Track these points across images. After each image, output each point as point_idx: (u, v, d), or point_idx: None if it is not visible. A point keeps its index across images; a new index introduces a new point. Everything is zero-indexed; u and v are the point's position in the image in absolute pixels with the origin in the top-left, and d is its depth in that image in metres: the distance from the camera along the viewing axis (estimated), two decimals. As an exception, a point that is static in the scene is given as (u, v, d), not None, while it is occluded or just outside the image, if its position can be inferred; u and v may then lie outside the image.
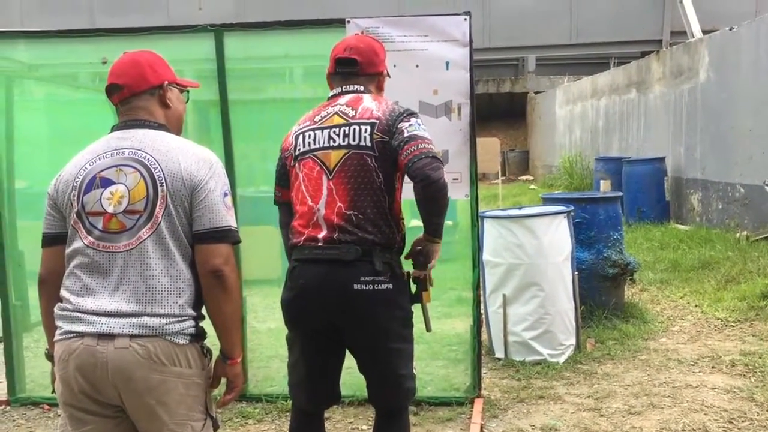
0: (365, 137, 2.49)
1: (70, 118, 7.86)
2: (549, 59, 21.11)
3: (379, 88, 2.73)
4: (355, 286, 2.46)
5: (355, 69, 2.63)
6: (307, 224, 2.53)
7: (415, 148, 2.44)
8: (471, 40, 3.81)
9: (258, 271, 6.35)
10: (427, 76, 3.83)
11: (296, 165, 2.60)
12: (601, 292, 5.37)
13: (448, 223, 6.77)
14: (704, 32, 10.73)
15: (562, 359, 4.69)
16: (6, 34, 4.29)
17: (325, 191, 2.51)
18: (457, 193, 3.91)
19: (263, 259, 6.51)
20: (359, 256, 2.46)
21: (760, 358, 4.63)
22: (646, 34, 13.17)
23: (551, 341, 4.68)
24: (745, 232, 8.08)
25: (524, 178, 20.54)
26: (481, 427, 3.71)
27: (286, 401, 4.04)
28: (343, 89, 2.64)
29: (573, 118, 16.87)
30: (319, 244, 2.50)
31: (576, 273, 4.89)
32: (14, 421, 4.05)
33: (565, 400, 4.09)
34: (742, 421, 3.73)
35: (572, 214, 4.97)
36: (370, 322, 2.51)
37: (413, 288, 2.66)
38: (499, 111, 22.25)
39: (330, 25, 3.91)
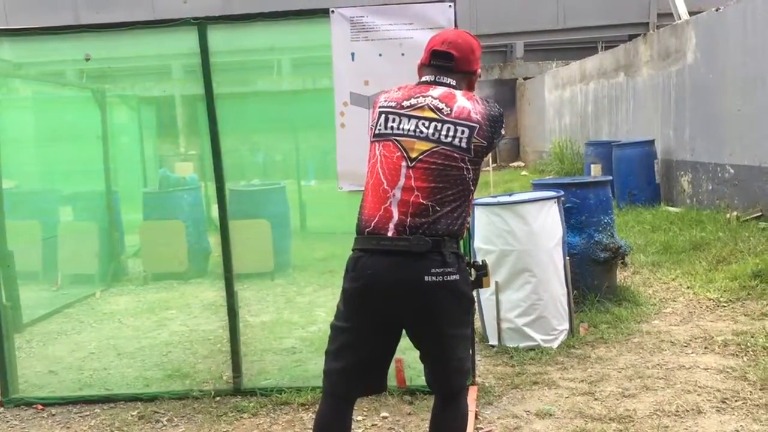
0: (462, 139, 2.48)
1: (58, 116, 7.83)
2: (537, 45, 21.07)
3: (470, 87, 2.70)
4: (426, 278, 2.44)
5: (451, 64, 2.61)
6: (379, 208, 2.52)
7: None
8: (456, 27, 3.79)
9: (250, 265, 6.36)
10: (413, 64, 3.78)
11: (376, 144, 2.60)
12: (593, 276, 5.38)
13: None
14: (691, 14, 10.71)
15: (555, 344, 4.70)
16: (-12, 32, 4.24)
17: (403, 178, 2.49)
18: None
19: (255, 253, 6.52)
20: (429, 248, 2.44)
21: (752, 337, 4.66)
22: (633, 17, 13.12)
23: (544, 327, 4.69)
24: (735, 213, 8.11)
25: (515, 164, 20.55)
26: (476, 414, 3.72)
27: (281, 394, 4.04)
28: (437, 79, 2.61)
29: (562, 103, 16.87)
30: (389, 234, 2.48)
31: (568, 258, 4.90)
32: (8, 422, 4.03)
33: (560, 385, 4.10)
34: (736, 401, 3.75)
35: (563, 199, 4.97)
36: (439, 312, 2.51)
37: (473, 274, 2.68)
38: (488, 98, 22.20)
39: (314, 15, 3.88)
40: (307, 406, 3.94)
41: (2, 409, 4.20)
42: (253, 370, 4.39)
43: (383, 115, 2.60)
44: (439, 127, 2.50)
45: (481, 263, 2.69)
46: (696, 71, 9.60)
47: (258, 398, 4.08)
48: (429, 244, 2.44)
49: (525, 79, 21.34)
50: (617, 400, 3.86)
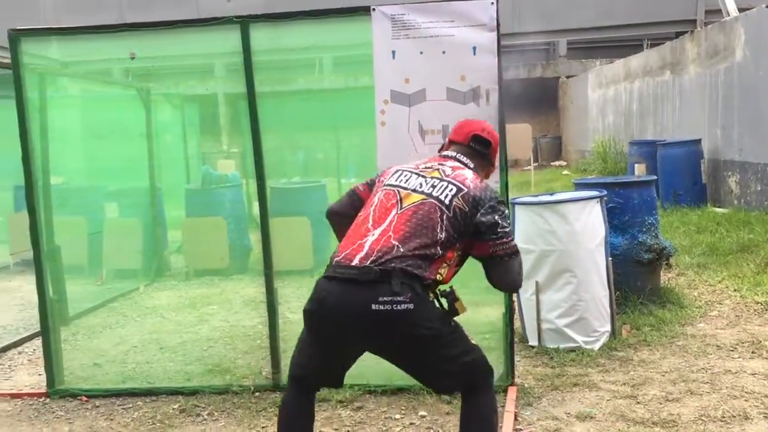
0: (447, 195, 2.65)
1: (104, 114, 7.99)
2: (581, 42, 20.79)
3: (486, 176, 2.94)
4: (374, 307, 2.48)
5: (488, 151, 2.92)
6: (354, 243, 2.65)
7: (508, 246, 2.66)
8: (498, 24, 3.76)
9: (290, 262, 6.38)
10: (454, 62, 3.79)
11: (379, 191, 2.79)
12: (636, 278, 5.28)
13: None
14: (740, 10, 10.45)
15: (596, 346, 4.63)
16: (38, 31, 4.33)
17: (387, 222, 2.65)
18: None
19: (295, 250, 6.55)
20: (377, 278, 2.50)
21: (802, 342, 4.52)
22: (679, 14, 12.86)
23: (585, 328, 4.63)
24: (785, 214, 7.89)
25: (557, 163, 20.33)
26: (515, 416, 3.68)
27: (319, 391, 4.05)
28: (458, 157, 2.86)
29: (606, 101, 16.63)
30: (352, 264, 2.57)
31: (610, 258, 4.82)
32: (53, 412, 4.13)
33: (601, 388, 4.04)
34: (784, 408, 3.65)
35: (605, 198, 4.90)
36: (393, 341, 2.57)
37: (445, 304, 2.68)
38: (530, 96, 22.03)
39: (355, 13, 3.89)
40: (345, 403, 3.95)
41: (48, 399, 4.29)
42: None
43: (398, 173, 2.82)
44: (435, 184, 2.70)
45: (448, 290, 2.69)
46: (745, 69, 9.36)
47: (296, 394, 4.09)
48: (377, 273, 2.50)
49: (568, 77, 21.09)
50: (660, 404, 3.79)
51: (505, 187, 3.87)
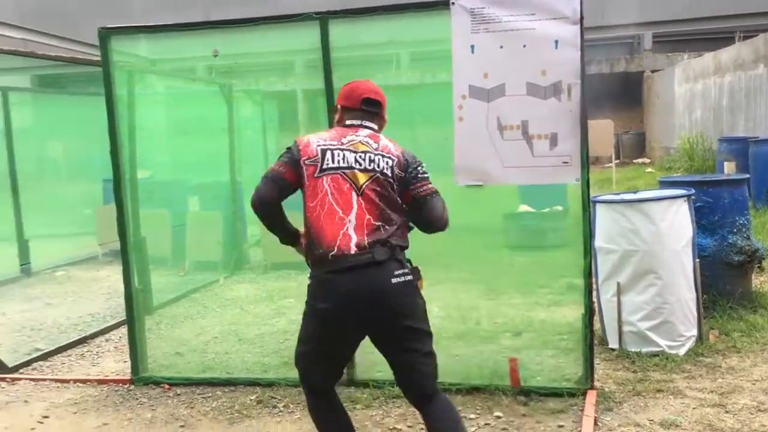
0: (386, 167, 2.88)
1: (187, 110, 8.21)
2: (667, 35, 20.07)
3: (381, 128, 3.12)
4: (393, 281, 2.75)
5: (379, 110, 3.09)
6: (338, 234, 2.78)
7: (427, 187, 2.94)
8: (582, 17, 3.64)
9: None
10: (535, 56, 3.70)
11: (323, 178, 2.87)
12: (725, 281, 5.04)
13: (558, 208, 6.55)
14: (843, -1, 9.86)
15: (682, 351, 4.44)
16: (127, 30, 4.47)
17: (355, 205, 2.82)
18: (567, 177, 3.77)
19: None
20: (389, 256, 2.77)
21: None
22: (775, 5, 12.26)
23: (670, 332, 4.45)
24: None
25: (640, 161, 19.71)
26: (595, 420, 3.57)
27: (393, 387, 4.04)
28: (363, 123, 3.02)
29: (693, 96, 16.01)
30: (352, 252, 2.75)
31: (697, 260, 4.62)
32: (137, 399, 4.26)
33: (686, 395, 3.87)
34: None
35: (693, 197, 4.70)
36: (409, 309, 2.80)
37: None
38: (612, 92, 21.45)
39: (435, 7, 3.85)
40: (419, 401, 3.91)
41: (132, 386, 4.44)
42: (366, 361, 4.41)
43: (328, 152, 2.90)
44: (372, 158, 2.89)
45: (416, 266, 2.91)
46: None
47: (371, 390, 4.10)
48: (388, 252, 2.77)
49: (653, 71, 20.40)
50: (751, 414, 3.60)
51: (586, 184, 3.76)
